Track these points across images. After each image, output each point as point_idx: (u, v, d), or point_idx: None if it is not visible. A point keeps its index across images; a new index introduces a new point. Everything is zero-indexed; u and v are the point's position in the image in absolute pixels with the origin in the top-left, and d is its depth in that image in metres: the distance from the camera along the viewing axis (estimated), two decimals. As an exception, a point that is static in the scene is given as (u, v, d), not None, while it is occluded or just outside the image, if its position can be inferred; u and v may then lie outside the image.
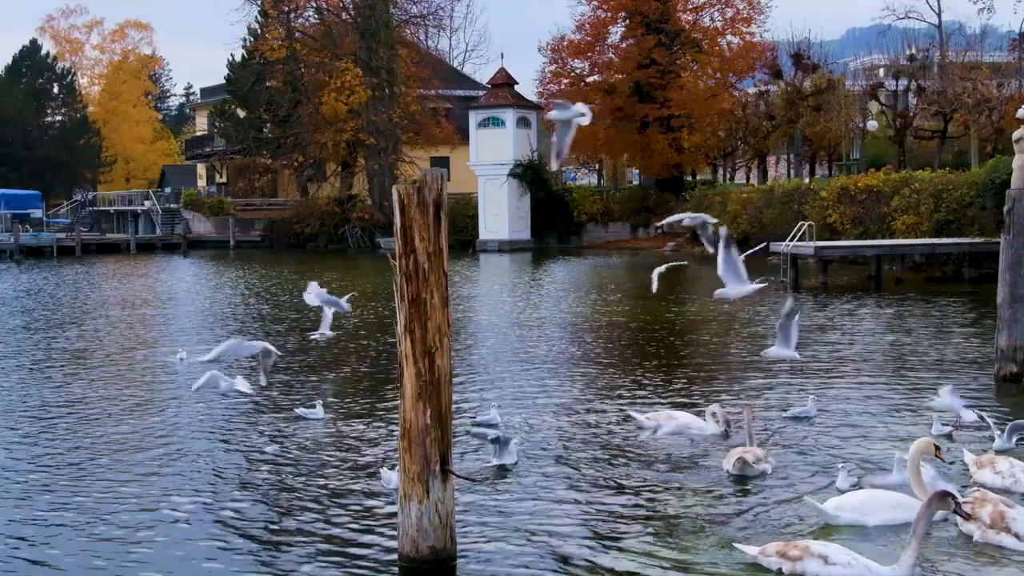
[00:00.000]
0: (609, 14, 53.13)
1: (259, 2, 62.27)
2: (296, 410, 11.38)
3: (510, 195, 52.89)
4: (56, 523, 7.73)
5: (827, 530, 7.26)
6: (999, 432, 9.31)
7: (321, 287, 12.38)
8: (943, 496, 6.20)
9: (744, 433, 9.34)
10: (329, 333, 13.17)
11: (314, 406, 11.27)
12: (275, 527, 7.62)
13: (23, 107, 77.11)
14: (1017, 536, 6.66)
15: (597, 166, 67.03)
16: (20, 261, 50.73)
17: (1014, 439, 9.23)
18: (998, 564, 6.59)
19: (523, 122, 53.95)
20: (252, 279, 34.84)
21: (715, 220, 8.68)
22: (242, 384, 10.83)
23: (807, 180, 44.63)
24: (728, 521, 7.54)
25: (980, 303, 21.04)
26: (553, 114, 7.19)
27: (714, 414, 10.14)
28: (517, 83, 55.45)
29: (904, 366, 14.18)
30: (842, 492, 7.86)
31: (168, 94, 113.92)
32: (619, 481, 8.67)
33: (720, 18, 53.03)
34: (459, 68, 79.36)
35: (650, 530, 7.40)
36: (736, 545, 6.71)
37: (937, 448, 7.58)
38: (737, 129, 52.70)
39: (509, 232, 52.11)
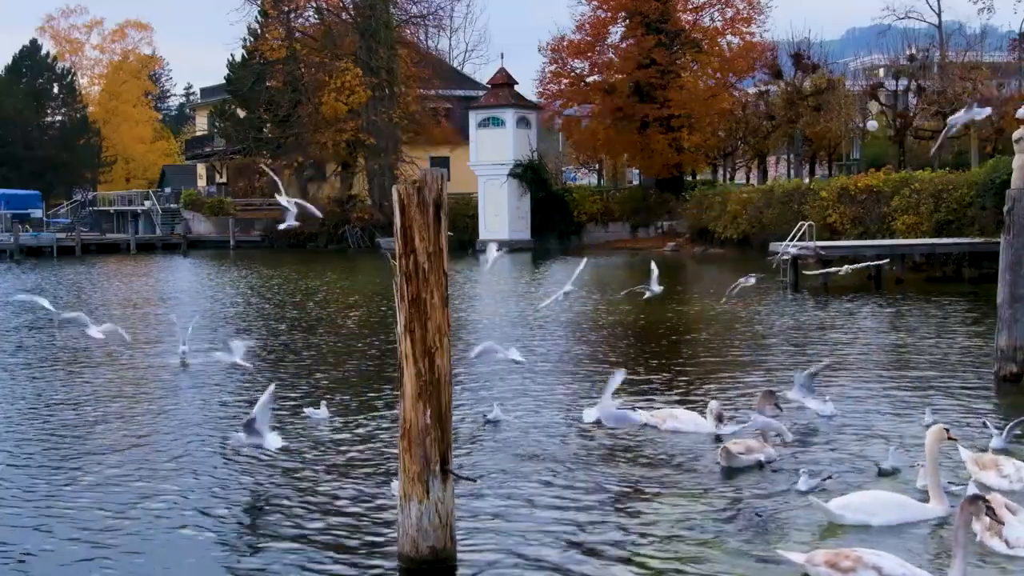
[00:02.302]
0: (609, 14, 53.12)
1: (259, 2, 62.27)
2: (304, 410, 11.37)
3: (510, 195, 52.90)
4: (56, 522, 7.73)
5: (832, 529, 7.28)
6: (996, 431, 9.31)
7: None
8: (974, 500, 6.06)
9: (734, 425, 9.49)
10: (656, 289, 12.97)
11: (318, 406, 11.27)
12: (275, 527, 7.62)
13: (23, 107, 77.11)
14: (1006, 542, 6.68)
15: (597, 166, 67.02)
16: (20, 261, 50.73)
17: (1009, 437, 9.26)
18: (996, 566, 6.59)
19: (523, 122, 53.96)
20: (253, 279, 34.85)
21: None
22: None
23: (807, 180, 44.65)
24: (734, 521, 7.53)
25: (980, 303, 21.04)
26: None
27: (712, 410, 10.21)
28: (517, 83, 55.47)
29: (904, 366, 14.18)
30: (803, 494, 7.94)
31: (168, 94, 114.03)
32: (622, 481, 8.66)
33: (720, 18, 53.05)
34: (459, 68, 79.34)
35: (654, 530, 7.39)
36: (779, 551, 6.52)
37: (947, 430, 7.64)
38: (737, 129, 52.71)
39: (509, 232, 52.07)
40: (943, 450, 8.11)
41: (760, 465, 8.86)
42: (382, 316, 21.55)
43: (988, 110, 11.11)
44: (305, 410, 11.35)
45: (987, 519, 6.70)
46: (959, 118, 10.77)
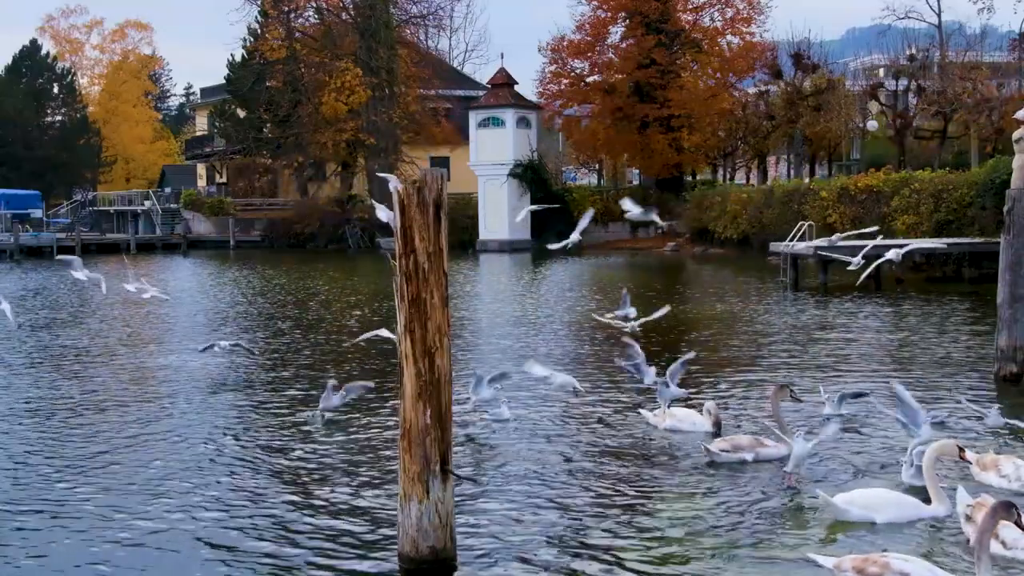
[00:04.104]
0: (609, 14, 53.17)
1: (259, 2, 62.31)
2: (328, 383, 11.23)
3: (510, 195, 52.88)
4: (57, 521, 7.73)
5: (837, 526, 7.30)
6: (988, 411, 9.47)
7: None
8: (1007, 507, 6.00)
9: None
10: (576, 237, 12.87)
11: (335, 390, 11.07)
12: (274, 527, 7.62)
13: (23, 107, 77.14)
14: (1004, 543, 6.67)
15: (597, 166, 67.04)
16: (20, 261, 50.73)
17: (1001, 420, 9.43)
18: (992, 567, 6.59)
19: (523, 122, 53.96)
20: (253, 279, 34.86)
21: None
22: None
23: (807, 180, 44.67)
24: (736, 520, 7.52)
25: (980, 303, 21.04)
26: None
27: (709, 411, 10.22)
28: (517, 83, 55.48)
29: (904, 365, 14.18)
30: (787, 490, 8.03)
31: (168, 94, 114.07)
32: (622, 480, 8.66)
33: (720, 18, 53.12)
34: (459, 68, 79.37)
35: (656, 529, 7.39)
36: (810, 556, 6.49)
37: (961, 450, 7.64)
38: (737, 129, 52.71)
39: (509, 232, 52.09)
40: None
41: (743, 462, 8.94)
42: (382, 316, 21.54)
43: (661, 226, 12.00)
44: (330, 381, 11.21)
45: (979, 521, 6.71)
46: (635, 213, 11.52)
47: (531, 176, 53.16)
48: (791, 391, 9.67)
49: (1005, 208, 12.74)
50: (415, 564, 6.54)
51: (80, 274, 13.77)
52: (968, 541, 6.86)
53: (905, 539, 7.05)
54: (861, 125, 46.58)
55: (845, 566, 6.19)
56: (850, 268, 17.37)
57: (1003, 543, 6.67)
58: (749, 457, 9.00)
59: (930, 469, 7.53)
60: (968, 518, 6.91)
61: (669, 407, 10.55)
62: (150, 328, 20.99)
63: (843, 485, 8.17)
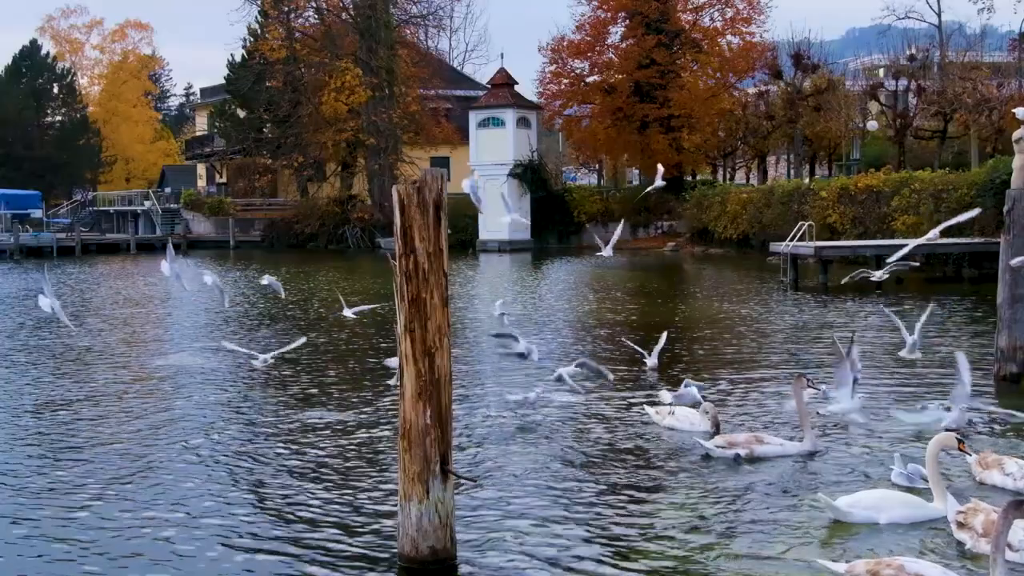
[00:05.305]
0: (609, 14, 53.19)
1: (259, 2, 62.29)
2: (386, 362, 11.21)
3: (510, 195, 52.84)
4: (58, 520, 7.73)
5: (839, 527, 7.29)
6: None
7: None
8: (1019, 506, 6.04)
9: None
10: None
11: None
12: (274, 527, 7.62)
13: (23, 107, 77.20)
14: (1009, 546, 6.65)
15: (597, 166, 67.04)
16: (20, 261, 50.72)
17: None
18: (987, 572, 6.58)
19: (523, 122, 53.96)
20: (254, 279, 34.83)
21: None
22: None
23: (807, 180, 44.67)
24: (737, 520, 7.52)
25: (980, 303, 21.03)
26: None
27: (706, 411, 10.21)
28: (517, 83, 55.48)
29: (904, 365, 14.17)
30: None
31: (168, 94, 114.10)
32: (622, 479, 8.66)
33: (720, 18, 53.13)
34: (459, 68, 79.38)
35: (656, 529, 7.38)
36: (820, 561, 6.48)
37: (960, 441, 7.62)
38: (737, 129, 52.72)
39: (509, 232, 52.08)
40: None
41: (739, 459, 8.97)
42: (382, 316, 21.52)
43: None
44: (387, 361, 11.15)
45: (978, 523, 6.70)
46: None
47: (531, 176, 53.18)
48: (808, 380, 9.69)
49: (1005, 208, 12.76)
50: (415, 564, 6.54)
51: (167, 268, 13.70)
52: (960, 544, 6.85)
53: (908, 539, 7.03)
54: (861, 125, 46.58)
55: (858, 570, 6.14)
56: (873, 279, 17.25)
57: (1008, 546, 6.65)
58: (743, 453, 9.01)
59: (933, 464, 7.48)
60: (960, 524, 6.89)
61: (673, 410, 10.54)
62: (150, 328, 20.98)
63: (842, 486, 8.17)
